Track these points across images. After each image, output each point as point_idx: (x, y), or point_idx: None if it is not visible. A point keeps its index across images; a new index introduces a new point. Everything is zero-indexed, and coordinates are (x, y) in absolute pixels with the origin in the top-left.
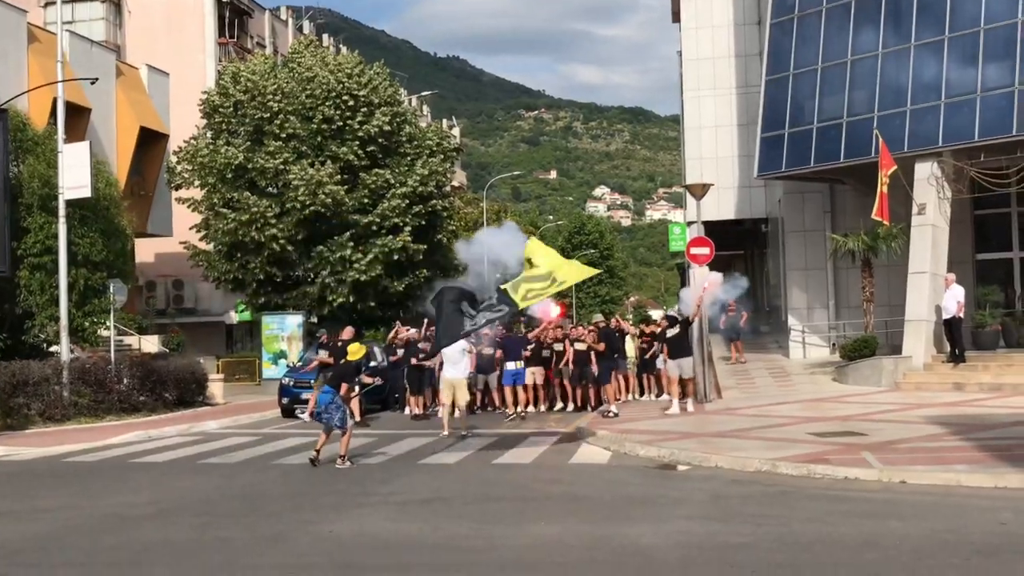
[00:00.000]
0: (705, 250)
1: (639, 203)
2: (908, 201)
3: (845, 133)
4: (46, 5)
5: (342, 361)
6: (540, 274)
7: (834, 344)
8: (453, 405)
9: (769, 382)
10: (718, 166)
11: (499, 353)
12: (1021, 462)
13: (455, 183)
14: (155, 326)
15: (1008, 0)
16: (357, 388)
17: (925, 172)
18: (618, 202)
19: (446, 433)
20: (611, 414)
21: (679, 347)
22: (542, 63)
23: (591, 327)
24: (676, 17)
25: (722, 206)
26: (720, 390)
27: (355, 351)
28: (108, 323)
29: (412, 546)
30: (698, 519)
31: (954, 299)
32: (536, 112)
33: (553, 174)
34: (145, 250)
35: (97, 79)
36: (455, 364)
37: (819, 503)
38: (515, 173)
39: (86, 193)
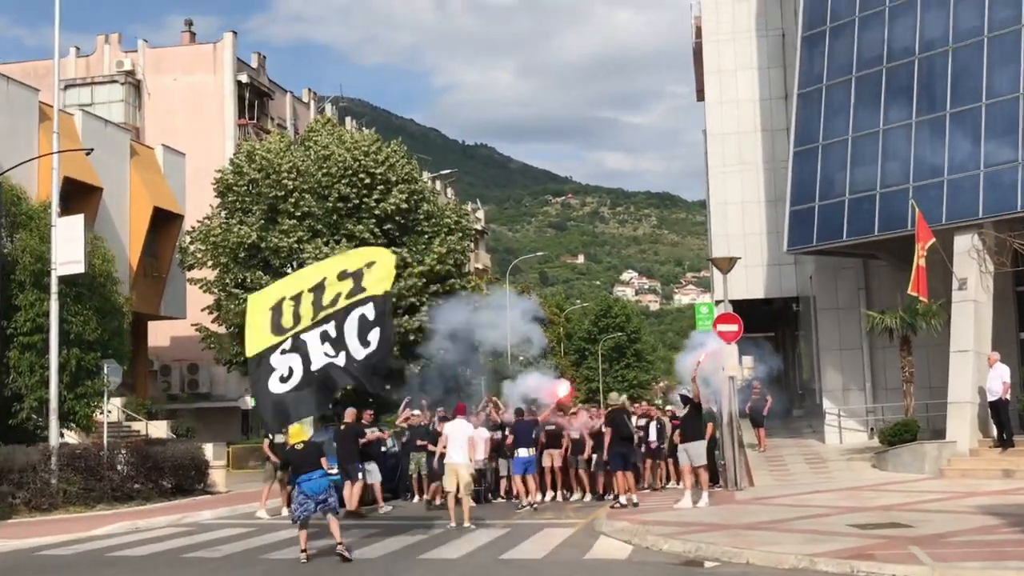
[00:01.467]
0: (733, 327)
1: (667, 287)
2: (947, 276)
3: (879, 205)
4: (66, 88)
5: (298, 446)
6: (316, 287)
7: (872, 428)
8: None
9: (804, 468)
10: (745, 243)
11: (509, 439)
12: None
13: (479, 266)
14: (165, 411)
15: None
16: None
17: (965, 245)
18: (646, 286)
19: (453, 524)
20: (618, 505)
21: (688, 430)
22: (569, 150)
23: (599, 410)
24: (700, 96)
25: (751, 284)
26: (752, 477)
27: (296, 433)
28: (101, 406)
29: None
30: None
31: (999, 379)
32: (563, 198)
33: (581, 259)
34: (161, 334)
35: (92, 149)
36: (459, 447)
37: None
38: (539, 253)
39: (79, 269)
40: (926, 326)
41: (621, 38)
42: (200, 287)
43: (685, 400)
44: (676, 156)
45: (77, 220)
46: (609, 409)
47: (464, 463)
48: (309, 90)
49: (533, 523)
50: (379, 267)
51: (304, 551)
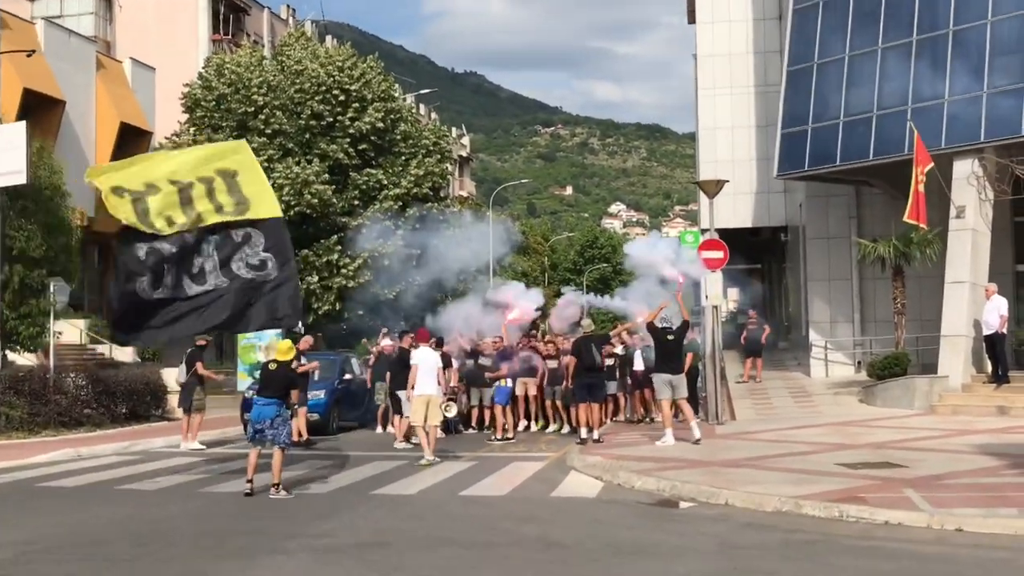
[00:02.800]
0: (718, 253)
1: (655, 220)
2: (943, 205)
3: (875, 128)
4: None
5: (271, 365)
6: (175, 188)
7: (860, 362)
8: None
9: (789, 403)
10: (735, 169)
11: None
12: None
13: (463, 193)
14: None
15: None
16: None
17: (965, 171)
18: (634, 219)
19: (430, 458)
20: (579, 441)
21: (671, 360)
22: (560, 79)
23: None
24: (692, 17)
25: (738, 213)
26: (734, 411)
27: (284, 350)
28: (48, 326)
29: None
30: None
31: (996, 312)
32: (553, 128)
33: (569, 190)
34: None
35: (33, 51)
36: (428, 377)
37: (858, 559)
38: (523, 181)
39: (21, 179)
40: (921, 255)
41: None
42: None
43: (665, 330)
44: (667, 87)
45: (19, 127)
46: (580, 338)
47: (434, 393)
48: (288, 6)
49: (502, 456)
50: (253, 179)
51: (249, 481)
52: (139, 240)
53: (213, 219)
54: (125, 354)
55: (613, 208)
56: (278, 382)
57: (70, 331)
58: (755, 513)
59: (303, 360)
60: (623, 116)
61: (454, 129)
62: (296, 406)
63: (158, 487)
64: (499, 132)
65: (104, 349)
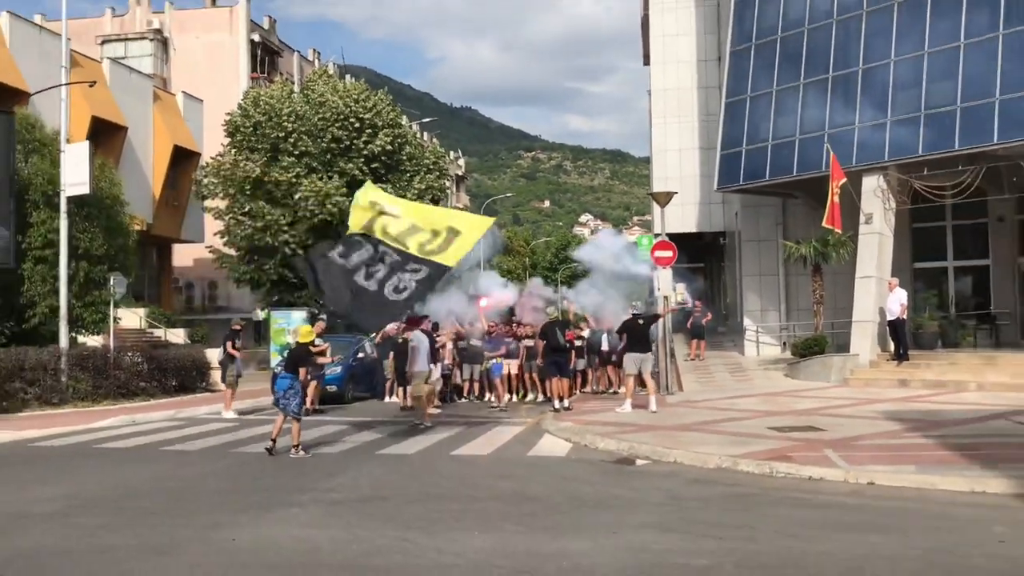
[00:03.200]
0: (668, 253)
1: (617, 228)
2: (855, 212)
3: (798, 150)
4: (103, 43)
5: (294, 345)
6: (411, 225)
7: (785, 343)
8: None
9: (727, 377)
10: (682, 184)
11: (540, 343)
12: (991, 463)
13: (460, 205)
14: (183, 321)
15: (950, 25)
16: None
17: (872, 185)
18: (599, 227)
19: (429, 423)
20: (551, 410)
21: (640, 341)
22: (539, 113)
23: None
24: (647, 60)
25: (685, 219)
26: (681, 383)
27: (304, 333)
28: (108, 313)
29: (311, 563)
30: (652, 529)
31: (898, 301)
32: (533, 153)
33: (546, 204)
34: (185, 255)
35: (95, 82)
36: (422, 357)
37: (785, 509)
38: (508, 195)
39: (85, 190)
40: (836, 255)
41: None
42: (213, 215)
43: (636, 316)
44: (627, 120)
45: (83, 146)
46: (545, 322)
47: (426, 370)
48: (314, 50)
49: (488, 421)
50: (466, 241)
51: (272, 440)
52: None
53: (413, 249)
54: (177, 336)
55: (583, 218)
56: (294, 360)
57: (131, 318)
58: (700, 470)
59: (318, 342)
60: (591, 143)
61: (451, 153)
62: (311, 379)
63: (196, 448)
64: (489, 156)
65: (160, 332)
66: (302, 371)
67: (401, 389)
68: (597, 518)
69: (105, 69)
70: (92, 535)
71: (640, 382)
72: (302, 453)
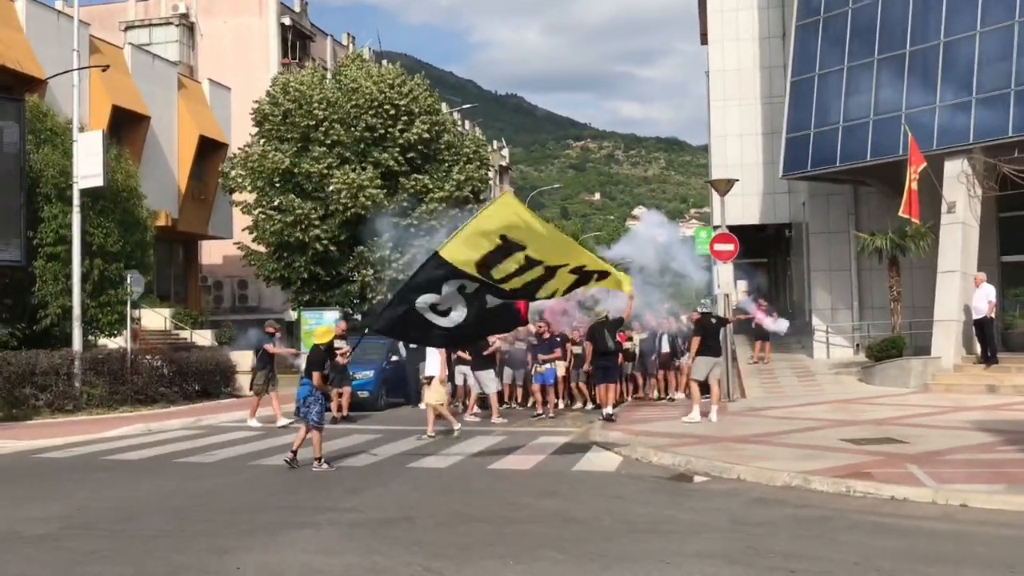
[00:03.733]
0: (729, 246)
1: (673, 222)
2: (936, 201)
3: (871, 132)
4: (127, 29)
5: (312, 346)
6: (524, 254)
7: (857, 344)
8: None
9: (793, 382)
10: (743, 172)
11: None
12: None
13: None
14: (210, 322)
15: None
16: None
17: (955, 169)
18: (655, 222)
19: (457, 427)
20: (604, 419)
21: (715, 343)
22: (588, 99)
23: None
24: (704, 39)
25: (747, 211)
26: (744, 389)
27: (321, 334)
28: (126, 313)
29: None
30: (714, 560)
31: (985, 298)
32: (583, 142)
33: (597, 196)
34: (215, 253)
35: (108, 67)
36: (433, 361)
37: (866, 536)
38: (556, 186)
39: (99, 182)
40: (914, 248)
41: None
42: (241, 209)
43: (708, 315)
44: (682, 106)
45: (96, 136)
46: (592, 323)
47: (435, 374)
48: (348, 34)
49: (531, 431)
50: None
51: (293, 452)
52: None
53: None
54: (203, 338)
55: (636, 211)
56: (310, 363)
57: (155, 318)
58: (765, 488)
59: (340, 344)
60: (644, 131)
61: (494, 142)
62: (341, 385)
63: (212, 460)
64: (536, 146)
65: (186, 334)
66: (316, 376)
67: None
68: (650, 545)
69: (127, 56)
70: (82, 563)
71: (703, 388)
72: (324, 467)
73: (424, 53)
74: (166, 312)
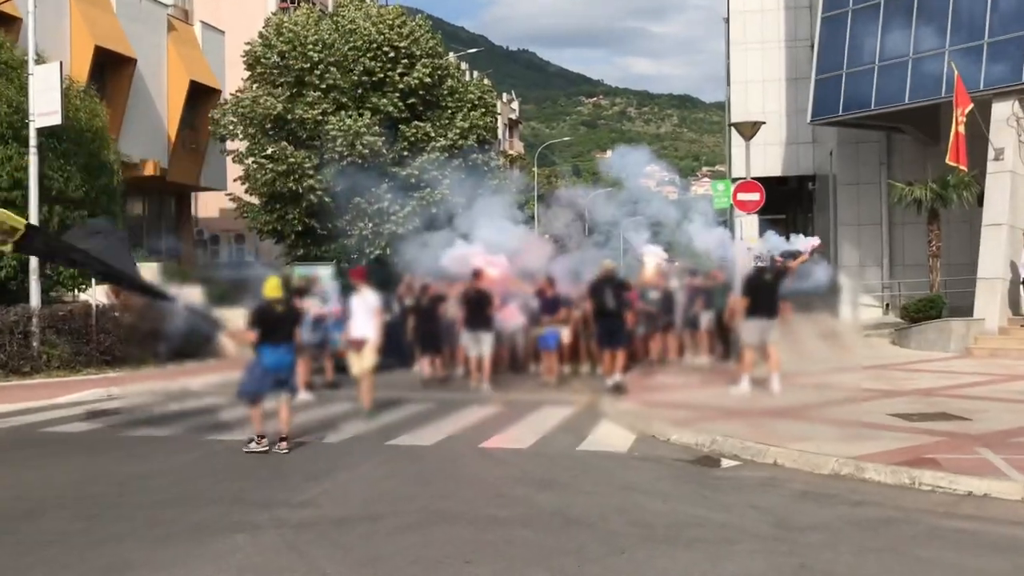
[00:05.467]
0: (754, 195)
1: (685, 180)
2: (981, 148)
3: (911, 72)
4: None
5: (277, 307)
6: None
7: (887, 304)
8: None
9: (820, 346)
10: (766, 121)
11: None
12: None
13: (513, 152)
14: (204, 279)
15: None
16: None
17: (1004, 112)
18: (666, 179)
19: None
20: (611, 388)
21: (768, 303)
22: (601, 56)
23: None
24: None
25: (768, 162)
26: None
27: (271, 288)
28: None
29: None
30: None
31: None
32: (595, 99)
33: (608, 154)
34: (211, 206)
35: None
36: (362, 323)
37: (954, 551)
38: (565, 139)
39: (56, 120)
40: (958, 198)
41: None
42: (232, 158)
43: (762, 270)
44: (696, 62)
45: (54, 67)
46: (594, 279)
47: (367, 335)
48: None
49: (532, 400)
50: None
51: (262, 437)
52: None
53: None
54: (193, 296)
55: (647, 169)
56: (289, 324)
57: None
58: (810, 477)
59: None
60: (657, 87)
61: (504, 95)
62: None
63: (165, 433)
64: (548, 103)
65: (175, 291)
66: (297, 332)
67: (425, 358)
68: (671, 560)
69: None
70: None
71: (763, 354)
72: (284, 447)
73: (435, 8)
74: (155, 267)
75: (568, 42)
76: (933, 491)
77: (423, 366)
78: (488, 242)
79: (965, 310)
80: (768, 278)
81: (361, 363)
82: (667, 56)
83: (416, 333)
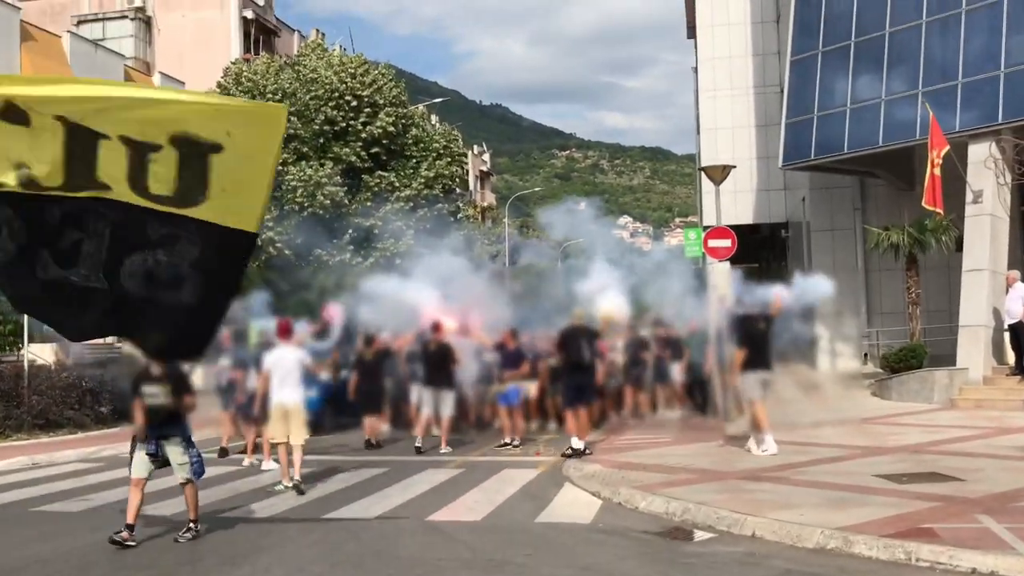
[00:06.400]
0: (725, 242)
1: (658, 231)
2: (958, 191)
3: (884, 113)
4: (79, 23)
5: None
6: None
7: (866, 354)
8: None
9: (798, 396)
10: (735, 169)
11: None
12: None
13: (485, 204)
14: None
15: None
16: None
17: (982, 154)
18: (639, 230)
19: (284, 484)
20: (569, 453)
21: (765, 352)
22: (573, 110)
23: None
24: (692, 32)
25: (739, 210)
26: (741, 405)
27: None
28: (22, 321)
29: None
30: None
31: (1019, 300)
32: (568, 152)
33: (582, 205)
34: None
35: None
36: (287, 384)
37: None
38: (536, 189)
39: None
40: (936, 243)
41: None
42: None
43: (750, 316)
44: (668, 116)
45: None
46: (565, 328)
47: (294, 401)
48: (317, 30)
49: (493, 461)
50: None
51: (131, 528)
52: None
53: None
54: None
55: (621, 220)
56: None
57: None
58: (793, 552)
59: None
60: (629, 140)
61: (475, 146)
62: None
63: (79, 508)
64: (521, 156)
65: (124, 347)
66: (188, 399)
67: (370, 418)
68: None
69: (65, 45)
70: None
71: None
72: (193, 533)
73: (409, 63)
74: None
75: (541, 97)
76: (932, 568)
77: (365, 427)
78: (425, 276)
79: (947, 359)
80: (762, 327)
81: (290, 435)
82: (639, 110)
83: (357, 391)
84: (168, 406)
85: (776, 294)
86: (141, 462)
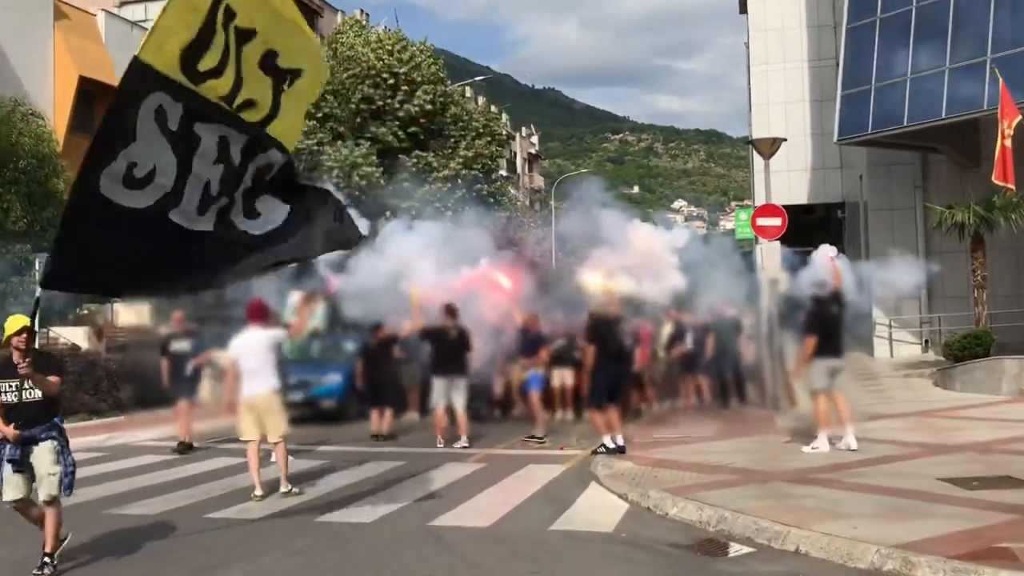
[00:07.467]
0: (775, 220)
1: (713, 215)
2: None
3: (948, 84)
4: (121, 5)
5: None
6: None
7: (927, 341)
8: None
9: (854, 386)
10: (789, 146)
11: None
12: None
13: (533, 187)
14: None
15: None
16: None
17: None
18: (694, 214)
19: (258, 493)
20: (602, 450)
21: (837, 340)
22: (627, 93)
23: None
24: (743, 7)
25: (793, 189)
26: (793, 395)
27: (11, 324)
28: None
29: None
30: None
31: None
32: (621, 135)
33: (636, 189)
34: None
35: None
36: (257, 373)
37: None
38: (583, 171)
39: None
40: (1005, 222)
41: None
42: None
43: (822, 300)
44: (722, 99)
45: None
46: (593, 317)
47: (265, 392)
48: (362, 10)
49: (518, 455)
50: (302, 95)
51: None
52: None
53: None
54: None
55: (676, 204)
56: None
57: (130, 313)
58: (843, 573)
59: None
60: (683, 123)
61: (523, 128)
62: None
63: (67, 503)
64: (573, 140)
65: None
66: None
67: (376, 410)
68: None
69: (100, 23)
70: None
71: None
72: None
73: (462, 49)
74: (145, 305)
75: (594, 80)
76: None
77: (372, 419)
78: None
79: (1015, 346)
80: (834, 310)
81: (267, 430)
82: (693, 93)
83: (364, 381)
84: (36, 399)
85: (827, 257)
86: (10, 480)
